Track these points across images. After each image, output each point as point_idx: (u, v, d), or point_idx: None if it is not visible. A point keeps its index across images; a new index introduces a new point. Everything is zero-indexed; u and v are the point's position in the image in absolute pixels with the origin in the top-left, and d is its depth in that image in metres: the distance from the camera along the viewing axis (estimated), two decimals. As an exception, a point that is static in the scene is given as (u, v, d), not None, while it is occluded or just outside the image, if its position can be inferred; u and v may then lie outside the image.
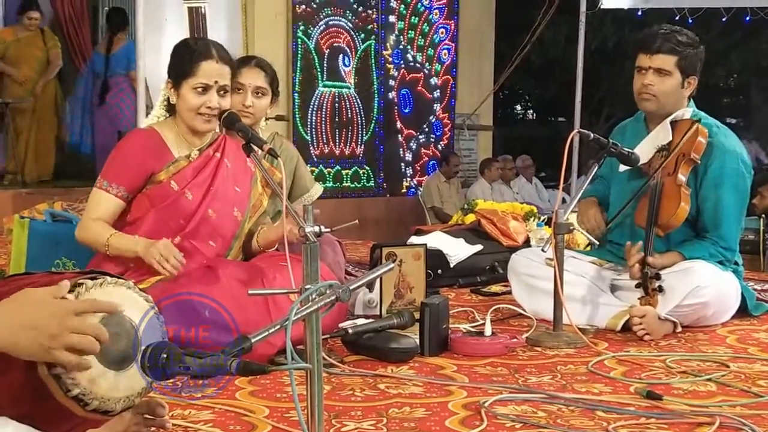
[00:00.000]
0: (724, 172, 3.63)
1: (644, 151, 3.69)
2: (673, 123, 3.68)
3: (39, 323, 1.43)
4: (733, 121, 20.41)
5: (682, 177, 3.56)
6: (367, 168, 10.35)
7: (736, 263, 3.72)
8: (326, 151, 9.73)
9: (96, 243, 3.09)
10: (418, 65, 10.89)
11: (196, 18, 7.37)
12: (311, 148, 9.46)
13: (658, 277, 3.41)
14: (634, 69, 3.78)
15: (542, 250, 3.54)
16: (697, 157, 3.58)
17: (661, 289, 3.40)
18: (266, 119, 3.76)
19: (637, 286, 3.46)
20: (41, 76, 8.62)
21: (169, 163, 3.17)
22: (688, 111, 3.72)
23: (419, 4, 10.81)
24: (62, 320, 1.44)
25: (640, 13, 10.37)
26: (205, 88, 3.13)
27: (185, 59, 3.15)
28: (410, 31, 10.75)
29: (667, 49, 3.68)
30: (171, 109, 3.26)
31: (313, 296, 1.82)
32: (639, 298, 3.44)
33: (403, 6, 10.61)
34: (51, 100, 8.84)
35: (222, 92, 3.16)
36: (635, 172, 3.70)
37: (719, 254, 3.61)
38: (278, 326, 1.74)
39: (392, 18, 10.49)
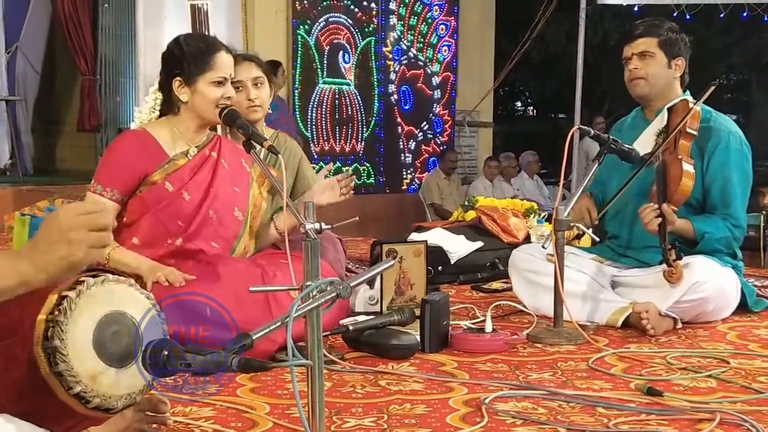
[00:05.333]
0: (729, 153, 3.69)
1: (645, 141, 3.71)
2: (669, 109, 3.71)
3: (52, 242, 1.45)
4: (734, 117, 20.38)
5: (682, 149, 3.58)
6: (368, 165, 10.35)
7: (734, 256, 3.73)
8: (326, 147, 9.74)
9: None
10: (418, 62, 10.89)
11: (199, 15, 7.37)
12: (311, 144, 9.47)
13: (674, 246, 3.42)
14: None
15: (543, 246, 3.54)
16: (693, 129, 3.61)
17: (680, 257, 3.41)
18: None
19: (661, 262, 3.48)
20: None
21: (164, 162, 3.13)
22: (684, 98, 3.76)
23: (419, 0, 10.80)
24: (70, 231, 1.45)
25: (636, 8, 10.37)
26: (223, 81, 3.13)
27: (199, 53, 3.12)
28: (410, 28, 10.75)
29: (646, 33, 3.77)
30: (166, 109, 3.25)
31: (314, 293, 1.82)
32: (663, 273, 3.44)
33: (403, 2, 10.61)
34: None
35: (232, 85, 3.19)
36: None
37: (728, 229, 3.63)
38: (279, 323, 1.74)
39: (392, 15, 10.49)
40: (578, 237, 3.96)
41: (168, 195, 3.11)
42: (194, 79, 3.12)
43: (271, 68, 8.24)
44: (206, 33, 7.68)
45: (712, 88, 3.58)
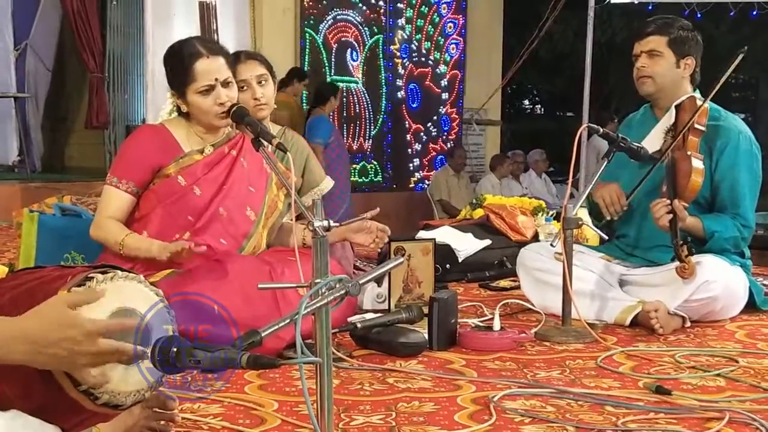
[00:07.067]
0: (738, 154, 3.67)
1: (654, 138, 3.70)
2: (677, 106, 3.70)
3: (58, 350, 1.44)
4: (742, 116, 20.32)
5: (691, 145, 3.57)
6: (375, 163, 10.35)
7: (742, 255, 3.72)
8: (334, 145, 9.73)
9: (110, 242, 3.09)
10: (426, 60, 10.89)
11: (207, 13, 7.37)
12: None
13: (686, 242, 3.41)
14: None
15: (551, 244, 3.53)
16: (701, 125, 3.60)
17: (692, 253, 3.40)
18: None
19: (672, 259, 3.48)
20: None
21: (179, 156, 3.16)
22: (692, 95, 3.74)
23: (428, -2, 10.81)
24: (80, 347, 1.44)
25: (650, 6, 10.37)
26: (209, 88, 3.12)
27: (179, 67, 3.13)
28: (418, 26, 10.74)
29: (656, 31, 3.75)
30: (183, 113, 3.27)
31: (323, 290, 1.81)
32: (676, 269, 3.43)
33: (411, 1, 10.61)
34: None
35: (226, 85, 3.15)
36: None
37: (737, 229, 3.62)
38: (288, 320, 1.74)
39: (400, 12, 10.49)
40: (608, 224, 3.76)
41: (179, 189, 3.13)
42: (183, 92, 3.15)
43: (332, 90, 8.33)
44: (205, 34, 7.69)
45: (719, 86, 3.57)
